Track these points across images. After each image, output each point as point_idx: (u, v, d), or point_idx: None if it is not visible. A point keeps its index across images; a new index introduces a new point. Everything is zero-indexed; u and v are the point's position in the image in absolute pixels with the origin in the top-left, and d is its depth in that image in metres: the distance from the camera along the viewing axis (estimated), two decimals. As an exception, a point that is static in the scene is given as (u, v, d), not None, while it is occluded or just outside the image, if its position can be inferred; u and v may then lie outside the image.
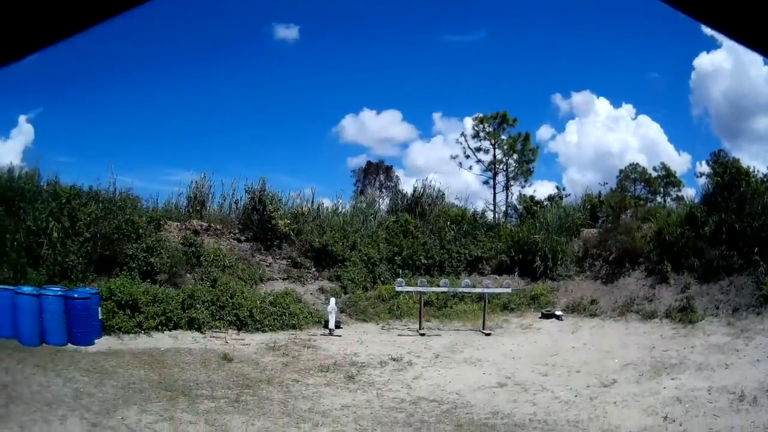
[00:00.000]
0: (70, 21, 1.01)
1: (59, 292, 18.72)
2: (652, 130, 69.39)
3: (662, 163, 57.08)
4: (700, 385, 15.31)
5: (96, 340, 18.85)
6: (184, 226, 28.65)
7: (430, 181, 39.35)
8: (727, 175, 27.41)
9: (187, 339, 20.89)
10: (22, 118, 55.85)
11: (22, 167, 28.88)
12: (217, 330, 22.31)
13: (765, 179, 27.66)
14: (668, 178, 55.84)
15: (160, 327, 21.16)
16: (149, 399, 13.51)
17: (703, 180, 30.30)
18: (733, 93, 62.34)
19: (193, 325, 22.02)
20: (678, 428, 12.40)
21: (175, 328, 21.54)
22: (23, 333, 17.45)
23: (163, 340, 20.39)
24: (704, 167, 31.35)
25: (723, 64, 62.77)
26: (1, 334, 17.53)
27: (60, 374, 14.54)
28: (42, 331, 17.68)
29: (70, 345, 17.96)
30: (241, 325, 23.08)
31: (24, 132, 54.40)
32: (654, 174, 55.65)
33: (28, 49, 1.04)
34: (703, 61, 65.63)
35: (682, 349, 19.62)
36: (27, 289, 18.47)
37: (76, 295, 18.77)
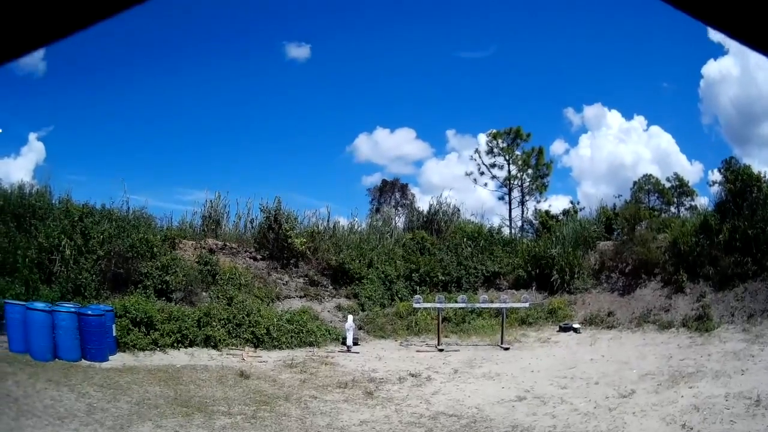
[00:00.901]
0: (69, 18, 0.96)
1: (72, 309, 18.61)
2: (663, 140, 69.39)
3: (675, 174, 57.14)
4: (717, 392, 15.22)
5: (110, 357, 18.72)
6: (199, 245, 28.64)
7: (446, 198, 39.74)
8: (739, 182, 27.43)
9: (203, 356, 20.74)
10: (32, 136, 56.13)
11: (33, 185, 29.03)
12: (233, 347, 22.19)
13: (776, 185, 27.57)
14: (681, 188, 55.81)
15: (175, 344, 21.03)
16: (164, 415, 13.30)
17: (715, 188, 30.22)
18: (742, 99, 62.29)
19: (210, 342, 21.90)
20: None
21: (191, 345, 21.43)
22: (35, 348, 17.27)
23: (178, 357, 20.23)
24: (716, 175, 31.20)
25: (730, 70, 62.74)
26: (13, 349, 17.40)
27: (73, 389, 14.34)
28: (55, 346, 17.50)
29: (83, 361, 17.78)
30: (258, 343, 22.96)
31: (35, 149, 54.63)
32: (667, 184, 55.59)
33: (31, 45, 1.02)
34: (711, 68, 65.64)
35: (699, 358, 19.55)
36: (39, 304, 18.32)
37: (89, 312, 18.65)
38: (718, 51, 66.09)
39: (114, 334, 19.36)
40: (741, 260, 24.76)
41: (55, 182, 33.11)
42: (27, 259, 21.88)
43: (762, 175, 27.80)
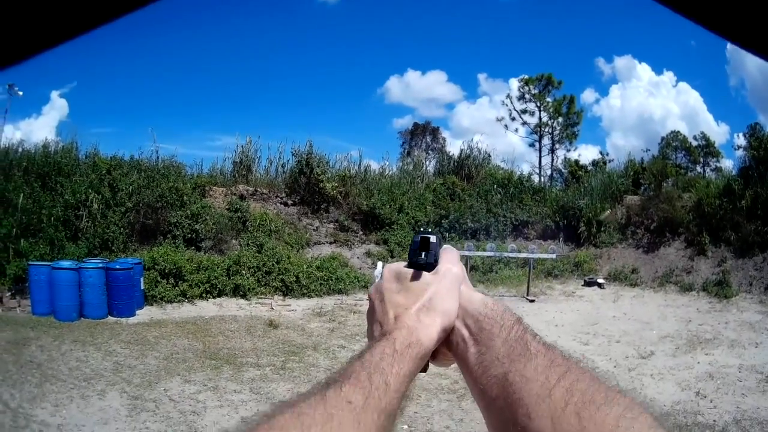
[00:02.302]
0: (86, 16, 0.93)
1: (99, 264, 18.64)
2: (692, 98, 69.29)
3: (702, 133, 57.24)
4: (732, 363, 15.21)
5: (138, 312, 18.85)
6: (229, 192, 28.72)
7: (477, 143, 39.64)
8: (763, 150, 27.12)
9: (232, 306, 20.87)
10: (54, 94, 56.14)
11: (57, 142, 29.08)
12: (262, 296, 22.33)
13: (800, 154, 27.30)
14: (708, 148, 55.90)
15: (204, 295, 21.16)
16: (192, 369, 13.36)
17: (740, 152, 29.93)
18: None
19: (239, 292, 22.01)
20: (708, 404, 12.20)
21: (219, 295, 21.56)
22: (60, 308, 17.36)
23: (207, 308, 20.37)
24: (741, 140, 30.86)
25: None
26: (37, 311, 17.56)
27: (99, 348, 14.44)
28: (81, 304, 17.61)
29: (110, 318, 17.92)
30: (287, 291, 23.07)
31: (57, 107, 54.93)
32: (694, 143, 55.56)
33: (48, 43, 0.95)
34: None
35: (717, 324, 19.52)
36: (65, 263, 18.37)
37: (117, 266, 18.69)
38: None
39: (142, 287, 19.49)
40: (762, 229, 24.65)
41: (81, 138, 33.19)
42: (52, 218, 21.96)
43: None
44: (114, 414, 10.35)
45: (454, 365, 1.37)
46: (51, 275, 17.52)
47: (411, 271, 1.37)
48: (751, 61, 62.53)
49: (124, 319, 17.83)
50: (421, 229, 1.47)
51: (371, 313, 1.41)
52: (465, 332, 1.30)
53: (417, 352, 1.23)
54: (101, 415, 10.23)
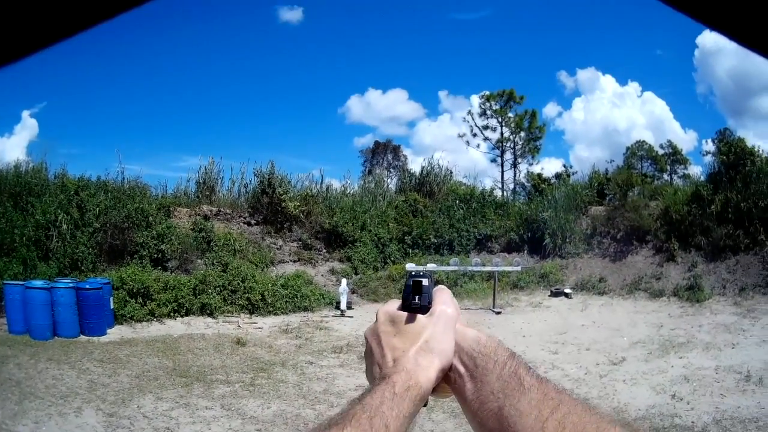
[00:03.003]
0: (74, 18, 0.97)
1: (70, 284, 18.77)
2: (658, 107, 69.82)
3: (669, 141, 57.44)
4: (708, 365, 15.42)
5: (108, 330, 18.96)
6: (193, 212, 28.88)
7: (438, 160, 39.82)
8: (732, 155, 27.55)
9: (199, 325, 21.03)
10: (25, 114, 55.92)
11: (28, 162, 29.11)
12: (229, 315, 22.55)
13: (770, 159, 27.89)
14: (675, 156, 56.00)
15: (172, 314, 21.32)
16: (164, 386, 13.55)
17: (708, 158, 30.50)
18: (738, 72, 62.14)
19: (206, 310, 22.21)
20: (686, 407, 12.36)
21: (187, 314, 21.73)
22: (35, 327, 17.48)
23: (175, 326, 20.53)
24: (710, 145, 31.43)
25: (727, 43, 62.29)
26: (13, 330, 17.63)
27: (74, 366, 14.60)
28: (54, 324, 17.71)
29: (82, 336, 18.03)
30: (253, 309, 23.31)
31: (28, 127, 54.65)
32: (661, 151, 55.83)
33: (32, 47, 1.00)
34: (707, 39, 65.39)
35: (690, 328, 19.78)
36: (37, 282, 18.52)
37: (87, 286, 18.80)
38: None
39: (111, 306, 19.57)
40: (733, 233, 25.03)
41: (50, 157, 33.44)
42: (24, 237, 22.10)
43: (756, 150, 27.95)
44: (91, 431, 10.59)
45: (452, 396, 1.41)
46: (25, 295, 17.63)
47: (405, 314, 1.42)
48: (721, 68, 63.30)
49: (95, 338, 17.96)
50: (413, 272, 1.49)
51: (369, 355, 1.45)
52: (461, 368, 1.35)
53: (416, 394, 1.26)
54: (78, 433, 10.49)
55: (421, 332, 1.36)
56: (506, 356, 1.31)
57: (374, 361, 1.40)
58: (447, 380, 1.36)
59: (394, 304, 1.47)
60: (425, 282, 1.43)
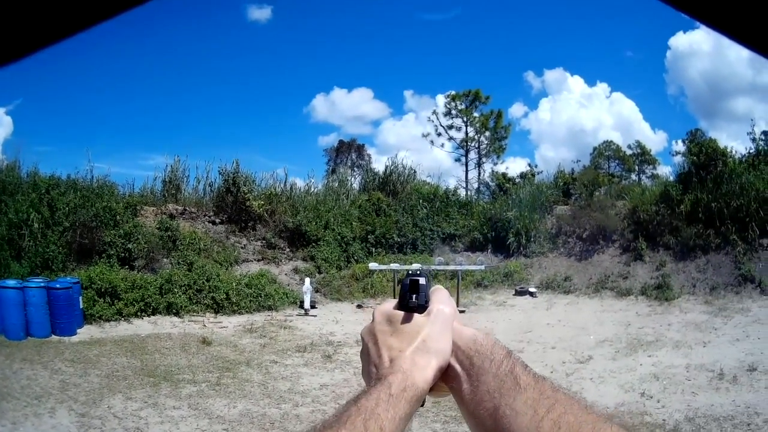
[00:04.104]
0: (69, 20, 1.00)
1: (42, 284, 18.91)
2: (626, 108, 70.12)
3: (637, 141, 58.08)
4: (678, 363, 15.51)
5: (78, 330, 19.13)
6: (160, 211, 28.92)
7: (402, 159, 39.86)
8: (703, 155, 27.79)
9: (166, 324, 21.22)
10: (0, 111, 55.47)
11: (3, 160, 29.07)
12: (195, 314, 22.72)
13: (743, 159, 28.27)
14: (643, 156, 56.54)
15: (139, 313, 21.51)
16: (133, 386, 13.76)
17: (678, 158, 30.71)
18: (712, 74, 62.59)
19: (172, 309, 22.39)
20: (656, 405, 12.48)
21: (153, 313, 21.91)
22: (9, 327, 17.65)
23: (142, 326, 20.72)
24: (680, 146, 31.72)
25: (701, 45, 62.75)
26: (-13, 331, 17.81)
27: (46, 366, 14.82)
28: (27, 323, 17.90)
29: (53, 336, 18.20)
30: (218, 308, 23.50)
31: (3, 124, 54.08)
32: (629, 152, 56.36)
33: (27, 49, 1.02)
34: (680, 41, 65.90)
35: (659, 327, 19.93)
36: (10, 282, 18.66)
37: (58, 285, 18.94)
38: (689, 25, 66.08)
39: (81, 306, 19.74)
40: (703, 232, 25.39)
41: (24, 156, 33.23)
42: (-2, 237, 22.25)
43: (728, 151, 28.41)
44: (65, 431, 10.94)
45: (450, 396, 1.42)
46: (-1, 294, 17.81)
47: (402, 313, 1.41)
48: (694, 69, 63.72)
49: (66, 338, 18.16)
50: (410, 272, 1.49)
51: (365, 354, 1.44)
52: (458, 367, 1.34)
53: (412, 395, 1.25)
54: (54, 433, 10.83)
55: (419, 332, 1.37)
56: (503, 355, 1.32)
57: (371, 361, 1.40)
58: (444, 379, 1.37)
59: (391, 303, 1.48)
60: (422, 281, 1.44)
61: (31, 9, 0.96)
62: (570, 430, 1.11)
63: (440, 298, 1.44)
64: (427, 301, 1.42)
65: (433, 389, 1.36)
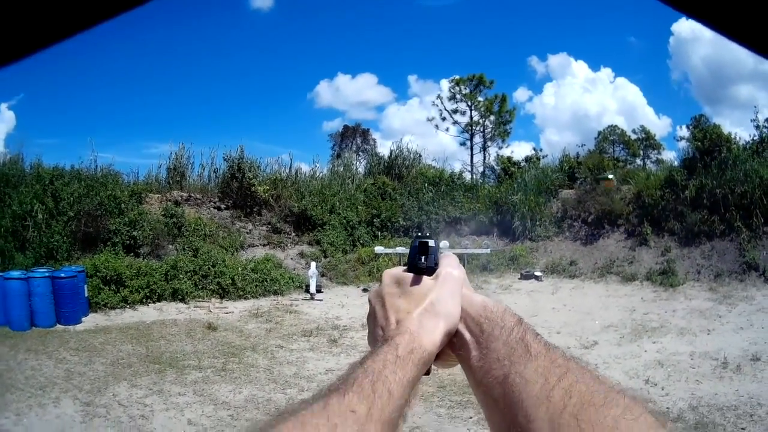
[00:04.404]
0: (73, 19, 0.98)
1: (46, 273, 18.91)
2: (630, 92, 69.95)
3: (642, 126, 57.41)
4: (682, 350, 15.41)
5: (83, 319, 19.17)
6: (164, 198, 29.01)
7: (407, 144, 40.17)
8: (708, 141, 27.63)
9: (171, 310, 21.30)
10: (3, 106, 55.62)
11: (5, 153, 29.22)
12: (200, 299, 22.77)
13: (747, 146, 28.07)
14: (648, 141, 56.22)
15: (144, 300, 21.57)
16: (138, 374, 13.80)
17: (683, 144, 30.35)
18: (714, 60, 62.44)
19: (177, 296, 22.46)
20: (660, 392, 12.38)
21: (159, 300, 21.99)
22: (14, 318, 17.70)
23: (148, 313, 20.78)
24: (684, 131, 31.42)
25: (704, 31, 62.30)
26: (-6, 322, 17.87)
27: (51, 356, 14.87)
28: (31, 314, 17.93)
29: (58, 326, 18.24)
30: (223, 294, 23.55)
31: (5, 120, 54.28)
32: (633, 136, 55.92)
33: (29, 49, 1.00)
34: (683, 26, 65.41)
35: (663, 313, 19.79)
36: (15, 273, 18.68)
37: (62, 275, 18.95)
38: None
39: (86, 294, 19.77)
40: (708, 218, 25.13)
41: (27, 149, 33.40)
42: (2, 229, 22.40)
43: (733, 137, 28.27)
44: (69, 421, 10.90)
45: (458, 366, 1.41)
46: (3, 286, 17.82)
47: (411, 275, 1.40)
48: (697, 56, 63.46)
49: (71, 327, 18.22)
50: (419, 234, 1.47)
51: (372, 317, 1.43)
52: (467, 334, 1.32)
53: (420, 358, 1.24)
54: (58, 423, 10.77)
55: (427, 294, 1.35)
56: (513, 322, 1.31)
57: (377, 324, 1.39)
58: (452, 347, 1.35)
59: (400, 268, 1.46)
60: (431, 243, 1.42)
61: (31, 10, 0.94)
62: (581, 399, 1.09)
63: (449, 261, 1.44)
64: (436, 264, 1.41)
65: (440, 357, 1.36)
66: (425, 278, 1.38)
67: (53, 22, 0.97)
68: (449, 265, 1.41)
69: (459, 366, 1.39)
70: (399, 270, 1.43)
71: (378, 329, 1.36)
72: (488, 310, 1.33)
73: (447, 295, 1.34)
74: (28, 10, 0.93)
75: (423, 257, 1.39)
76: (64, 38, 1.00)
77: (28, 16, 0.94)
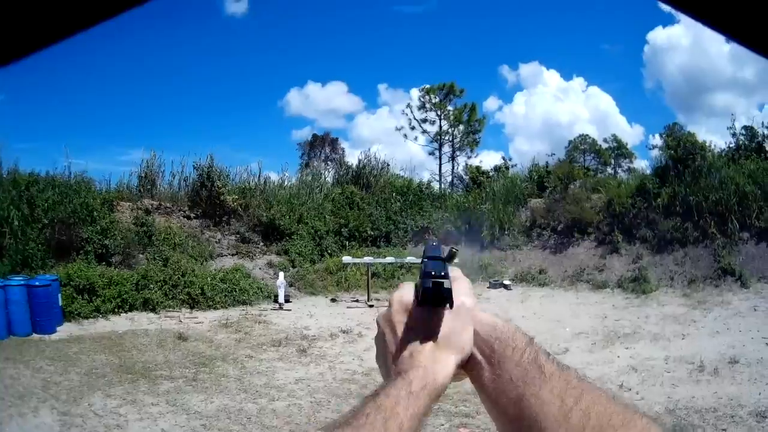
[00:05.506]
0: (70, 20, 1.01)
1: (22, 281, 19.01)
2: (603, 101, 70.55)
3: (613, 135, 58.14)
4: (657, 355, 15.62)
5: (58, 328, 19.25)
6: (135, 206, 28.98)
7: (375, 153, 40.41)
8: (681, 149, 27.99)
9: (143, 320, 21.37)
10: (-21, 109, 55.24)
11: (-18, 159, 29.01)
12: (170, 309, 22.86)
13: (723, 153, 28.62)
14: (619, 150, 56.91)
15: (116, 310, 21.64)
16: (112, 383, 13.97)
17: (655, 152, 30.84)
18: (691, 69, 63.15)
19: (148, 305, 22.52)
20: (635, 396, 12.49)
21: (130, 310, 22.05)
22: None
23: (120, 323, 20.86)
24: (657, 140, 31.93)
25: (680, 39, 63.41)
26: (-30, 330, 17.92)
27: (28, 365, 15.03)
28: (9, 322, 18.00)
29: (34, 335, 18.35)
30: (193, 304, 23.63)
31: (-19, 122, 53.91)
32: (605, 145, 56.66)
33: (26, 49, 1.03)
34: (658, 35, 66.39)
35: (636, 319, 20.02)
36: None
37: (37, 283, 19.04)
38: (668, 19, 66.34)
39: (60, 303, 19.85)
40: (681, 225, 25.51)
41: (4, 153, 33.31)
42: (-20, 236, 22.28)
43: (708, 144, 28.83)
44: (48, 430, 11.16)
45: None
46: (-19, 294, 17.87)
47: (423, 308, 1.34)
48: (672, 64, 64.10)
49: (47, 336, 18.33)
50: (432, 272, 1.31)
51: (381, 340, 1.40)
52: (478, 356, 1.31)
53: (432, 391, 1.23)
54: (38, 432, 11.13)
55: (439, 325, 1.31)
56: (525, 342, 1.31)
57: (387, 349, 1.36)
58: (463, 367, 1.33)
59: (409, 290, 1.40)
60: (446, 284, 1.29)
61: (20, 15, 0.99)
62: (600, 422, 1.13)
63: (462, 290, 1.38)
64: (451, 303, 1.32)
65: None
66: (437, 309, 1.33)
67: (36, 28, 1.03)
68: (462, 293, 1.37)
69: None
70: (409, 298, 1.37)
71: (389, 355, 1.35)
72: (498, 331, 1.34)
73: (460, 327, 1.33)
74: (10, 17, 0.99)
75: (447, 303, 1.30)
76: (49, 44, 1.07)
77: (11, 22, 1.00)
